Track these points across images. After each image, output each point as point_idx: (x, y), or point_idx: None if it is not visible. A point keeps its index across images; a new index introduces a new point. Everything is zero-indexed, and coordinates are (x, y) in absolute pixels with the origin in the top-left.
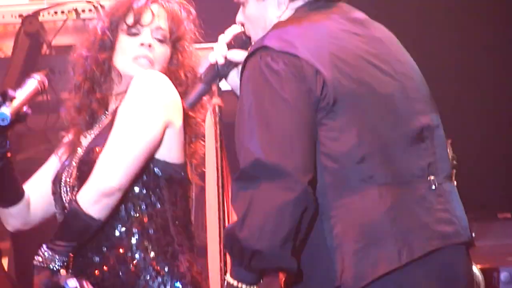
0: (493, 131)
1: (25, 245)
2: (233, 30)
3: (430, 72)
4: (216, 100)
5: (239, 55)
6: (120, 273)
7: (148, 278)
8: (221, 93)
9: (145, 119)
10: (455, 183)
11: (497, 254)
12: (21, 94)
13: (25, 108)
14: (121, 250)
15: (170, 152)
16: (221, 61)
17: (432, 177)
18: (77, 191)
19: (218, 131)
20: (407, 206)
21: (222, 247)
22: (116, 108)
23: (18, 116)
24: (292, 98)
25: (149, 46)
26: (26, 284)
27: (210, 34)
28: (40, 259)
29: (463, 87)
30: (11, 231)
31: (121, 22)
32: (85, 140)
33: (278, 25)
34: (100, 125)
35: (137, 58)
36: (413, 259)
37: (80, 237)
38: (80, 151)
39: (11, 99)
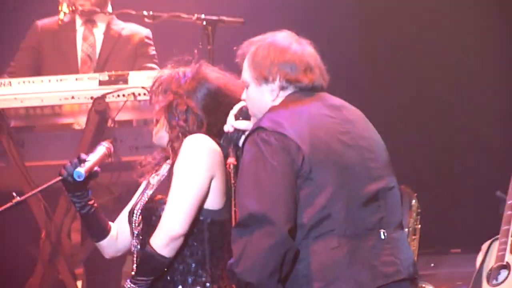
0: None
1: (95, 270)
2: (239, 105)
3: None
4: (231, 160)
5: (243, 124)
6: None
7: None
8: (234, 154)
9: (195, 177)
10: (419, 226)
11: (449, 279)
12: (93, 157)
13: (96, 168)
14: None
15: (213, 200)
16: (231, 129)
17: (382, 230)
18: (141, 229)
19: (232, 181)
20: (360, 253)
21: None
22: (173, 164)
23: (90, 174)
24: (280, 166)
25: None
26: None
27: None
28: None
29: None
30: (107, 258)
31: None
32: (153, 180)
33: (271, 109)
34: (161, 175)
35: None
36: None
37: (155, 273)
38: (145, 196)
39: (85, 161)
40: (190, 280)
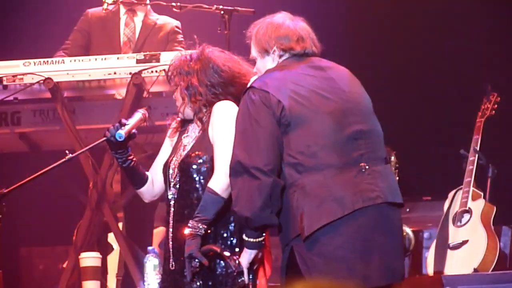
0: (421, 140)
1: (133, 214)
2: (254, 78)
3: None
4: None
5: None
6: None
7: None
8: None
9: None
10: (397, 178)
11: (421, 221)
12: (131, 121)
13: (134, 131)
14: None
15: None
16: None
17: (363, 164)
18: (179, 179)
19: None
20: (342, 182)
21: None
22: (205, 128)
23: (129, 135)
24: (262, 120)
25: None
26: (135, 239)
27: None
28: (190, 230)
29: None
30: (146, 202)
31: None
32: (186, 140)
33: (266, 72)
34: (191, 133)
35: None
36: (344, 215)
37: (216, 213)
38: (181, 149)
39: (125, 124)
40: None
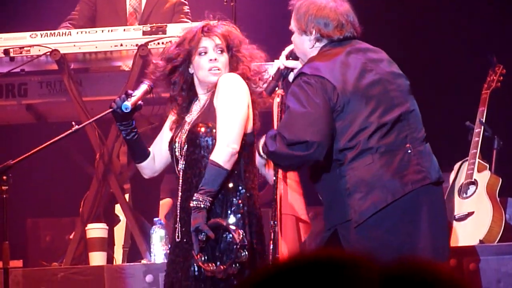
0: (429, 114)
1: (139, 186)
2: (289, 48)
3: None
4: (280, 91)
5: (292, 63)
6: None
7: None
8: (283, 86)
9: (241, 103)
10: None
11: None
12: (137, 93)
13: (140, 102)
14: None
15: (247, 124)
16: (282, 66)
17: (408, 145)
18: (186, 150)
19: (280, 109)
20: (391, 166)
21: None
22: (210, 99)
23: (135, 107)
24: (321, 102)
25: (215, 60)
26: (141, 211)
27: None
28: (195, 203)
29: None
30: (146, 178)
31: (193, 49)
32: (189, 118)
33: (310, 60)
34: (196, 109)
35: (210, 69)
36: (395, 199)
37: (220, 185)
38: (186, 125)
39: (131, 95)
40: (230, 185)
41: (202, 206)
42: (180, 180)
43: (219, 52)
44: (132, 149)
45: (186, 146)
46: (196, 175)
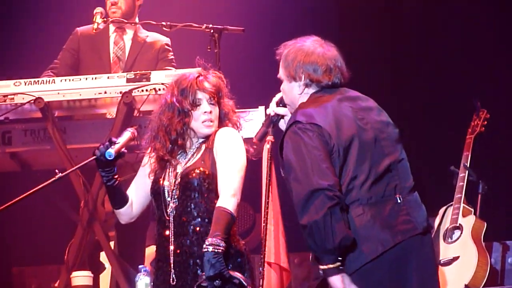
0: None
1: (125, 233)
2: (279, 95)
3: None
4: (270, 137)
5: (282, 110)
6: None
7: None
8: (273, 133)
9: (242, 156)
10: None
11: None
12: (121, 140)
13: (123, 149)
14: None
15: None
16: (272, 113)
17: (397, 195)
18: (182, 194)
19: (269, 155)
20: (381, 217)
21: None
22: (205, 148)
23: (118, 154)
24: (320, 146)
25: (210, 112)
26: (126, 258)
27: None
28: (214, 248)
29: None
30: (122, 223)
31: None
32: (176, 162)
33: (301, 106)
34: (184, 156)
35: (204, 121)
36: (385, 250)
37: (229, 230)
38: (177, 168)
39: (114, 143)
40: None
41: (220, 251)
42: (171, 224)
43: (212, 104)
44: (112, 195)
45: (179, 190)
46: (186, 213)
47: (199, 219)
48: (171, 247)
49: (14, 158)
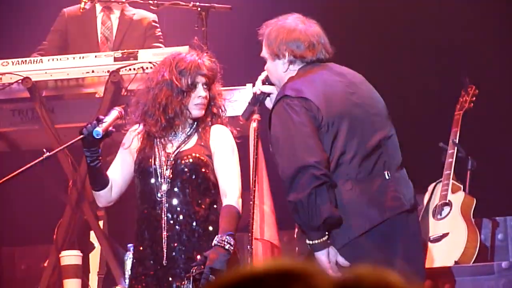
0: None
1: (113, 212)
2: (265, 73)
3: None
4: (256, 116)
5: (268, 88)
6: None
7: None
8: (259, 111)
9: (237, 159)
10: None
11: None
12: (108, 119)
13: (111, 128)
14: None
15: None
16: (258, 92)
17: (386, 171)
18: (172, 178)
19: (256, 133)
20: (369, 193)
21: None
22: (199, 135)
23: (106, 133)
24: (307, 122)
25: (205, 97)
26: (115, 237)
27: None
28: (229, 247)
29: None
30: (100, 206)
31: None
32: (170, 146)
33: (290, 80)
34: (176, 138)
35: (197, 104)
36: (373, 226)
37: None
38: (170, 150)
39: (102, 121)
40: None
41: (231, 251)
42: (164, 206)
43: (206, 88)
44: (93, 176)
45: (172, 172)
46: (187, 204)
47: (192, 204)
48: (164, 229)
49: (2, 139)
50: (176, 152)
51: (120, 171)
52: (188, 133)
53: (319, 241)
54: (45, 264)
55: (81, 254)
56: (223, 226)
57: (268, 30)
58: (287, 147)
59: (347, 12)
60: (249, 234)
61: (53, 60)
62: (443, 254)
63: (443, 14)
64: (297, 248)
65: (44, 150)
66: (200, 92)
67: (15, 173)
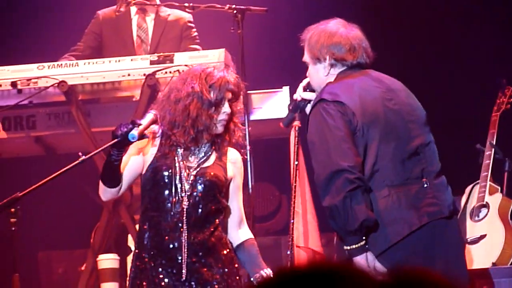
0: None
1: None
2: (306, 80)
3: None
4: (297, 123)
5: (309, 95)
6: None
7: None
8: (300, 118)
9: None
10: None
11: None
12: (144, 122)
13: (146, 131)
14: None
15: None
16: (299, 98)
17: (424, 179)
18: (196, 192)
19: (296, 140)
20: (407, 199)
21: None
22: (216, 155)
23: (141, 136)
24: (342, 126)
25: (229, 114)
26: None
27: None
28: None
29: None
30: (104, 201)
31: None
32: (192, 160)
33: (328, 84)
34: (201, 155)
35: (221, 121)
36: (411, 231)
37: None
38: (192, 164)
39: (138, 125)
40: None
41: None
42: (185, 219)
43: (229, 104)
44: (113, 174)
45: (192, 186)
46: (202, 220)
47: (208, 221)
48: (185, 245)
49: (39, 142)
50: (198, 168)
51: (130, 171)
52: (207, 149)
53: (356, 246)
54: (82, 268)
55: (118, 258)
56: (260, 262)
57: (310, 35)
58: (322, 152)
59: (382, 17)
60: (289, 239)
61: (89, 63)
62: (480, 255)
63: (479, 15)
64: (335, 255)
65: (80, 153)
66: (226, 108)
67: (51, 176)
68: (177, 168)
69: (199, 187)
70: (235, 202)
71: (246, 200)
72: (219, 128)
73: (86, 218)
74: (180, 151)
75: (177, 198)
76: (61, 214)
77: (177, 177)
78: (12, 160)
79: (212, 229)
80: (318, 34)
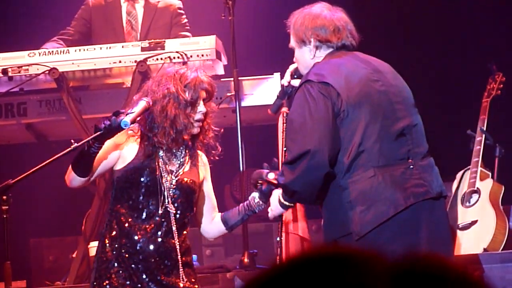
0: (429, 122)
1: None
2: (293, 65)
3: None
4: (285, 109)
5: (296, 81)
6: None
7: None
8: (287, 104)
9: None
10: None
11: None
12: (136, 109)
13: (138, 119)
14: None
15: None
16: (286, 84)
17: (410, 160)
18: (180, 198)
19: (285, 126)
20: (392, 180)
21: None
22: (190, 158)
23: (133, 123)
24: (322, 107)
25: (204, 113)
26: None
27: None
28: None
29: None
30: (70, 187)
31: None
32: (173, 163)
33: (315, 65)
34: (179, 159)
35: (198, 121)
36: (397, 212)
37: None
38: (172, 168)
39: (130, 113)
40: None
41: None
42: (174, 224)
43: (204, 105)
44: (86, 163)
45: (178, 193)
46: (183, 226)
47: (186, 226)
48: (178, 246)
49: (30, 129)
50: (177, 173)
51: (103, 163)
52: (184, 153)
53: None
54: (74, 255)
55: None
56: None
57: (294, 19)
58: (297, 131)
59: (372, 3)
60: (278, 225)
61: (80, 50)
62: (471, 241)
63: (470, 1)
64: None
65: (72, 140)
66: (202, 107)
67: (43, 164)
68: (158, 171)
69: (178, 193)
70: (207, 197)
71: (238, 186)
72: (195, 129)
73: (77, 205)
74: (162, 154)
75: (159, 202)
76: (52, 201)
77: (160, 182)
78: (4, 147)
79: (183, 238)
80: (303, 17)
